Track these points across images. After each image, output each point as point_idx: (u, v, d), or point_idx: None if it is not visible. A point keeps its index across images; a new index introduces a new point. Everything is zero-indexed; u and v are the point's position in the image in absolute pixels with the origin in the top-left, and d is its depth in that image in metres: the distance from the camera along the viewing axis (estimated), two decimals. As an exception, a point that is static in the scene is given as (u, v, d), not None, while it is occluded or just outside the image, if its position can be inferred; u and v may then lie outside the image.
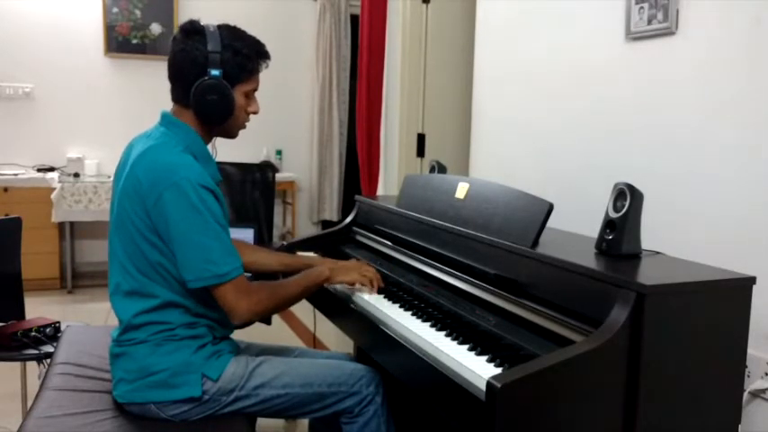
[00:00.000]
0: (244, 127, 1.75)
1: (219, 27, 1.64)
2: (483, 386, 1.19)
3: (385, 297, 1.82)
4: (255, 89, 1.71)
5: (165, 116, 1.68)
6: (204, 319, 1.64)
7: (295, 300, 1.75)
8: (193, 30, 1.63)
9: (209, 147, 1.73)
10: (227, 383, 1.61)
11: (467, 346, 1.44)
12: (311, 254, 2.31)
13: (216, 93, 1.61)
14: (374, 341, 1.73)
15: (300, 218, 5.86)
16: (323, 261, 2.01)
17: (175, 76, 1.65)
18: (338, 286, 1.90)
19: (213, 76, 1.60)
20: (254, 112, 1.73)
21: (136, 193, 1.55)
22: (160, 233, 1.54)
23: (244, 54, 1.64)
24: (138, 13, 5.14)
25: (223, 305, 1.56)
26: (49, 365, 1.90)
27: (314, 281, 1.78)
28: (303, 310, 2.04)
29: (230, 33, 1.65)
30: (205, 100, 1.60)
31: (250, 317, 1.59)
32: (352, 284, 1.85)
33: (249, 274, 2.32)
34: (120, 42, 5.13)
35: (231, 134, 1.74)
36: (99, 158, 5.01)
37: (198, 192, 1.52)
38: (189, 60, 1.61)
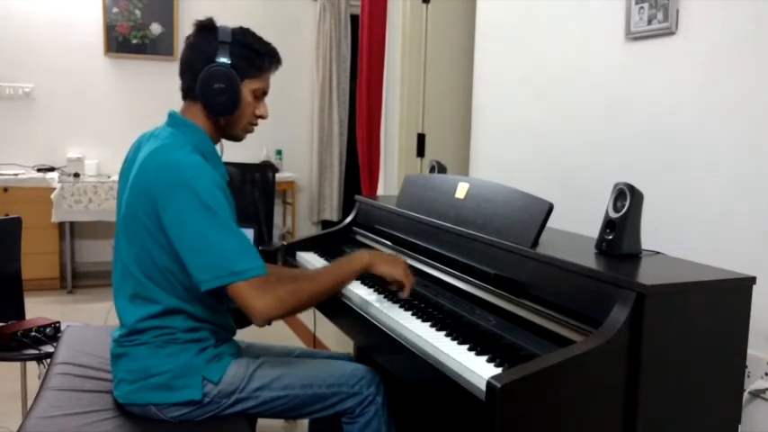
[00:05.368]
0: (251, 130, 1.74)
1: (234, 27, 1.65)
2: (483, 386, 1.19)
3: (385, 297, 1.82)
4: (265, 91, 1.70)
5: (172, 116, 1.67)
6: (207, 323, 1.63)
7: (326, 293, 1.64)
8: (207, 26, 1.64)
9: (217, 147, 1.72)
10: (227, 386, 1.61)
11: (467, 346, 1.44)
12: (314, 256, 2.32)
13: (223, 80, 1.59)
14: (374, 341, 1.73)
15: (300, 218, 5.87)
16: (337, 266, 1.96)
17: (185, 68, 1.65)
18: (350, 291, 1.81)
19: (221, 63, 1.60)
20: (262, 116, 1.72)
21: (145, 193, 1.53)
22: (169, 234, 1.51)
23: (254, 49, 1.64)
24: (138, 13, 5.14)
25: (239, 305, 1.50)
26: (49, 365, 1.89)
27: (351, 269, 1.66)
28: (303, 310, 2.03)
29: (243, 32, 1.66)
30: (212, 88, 1.59)
31: (270, 315, 1.50)
32: (390, 281, 1.72)
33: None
34: (120, 42, 5.13)
35: (237, 135, 1.72)
36: (99, 158, 5.01)
37: (209, 190, 1.49)
38: (198, 52, 1.62)
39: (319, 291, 1.61)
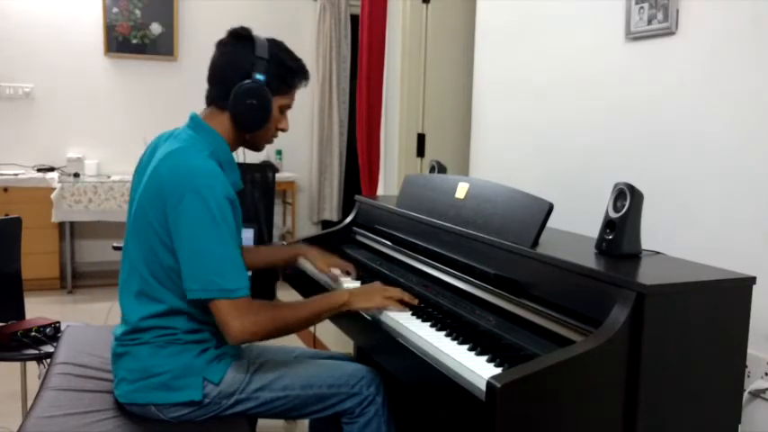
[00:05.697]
0: (271, 141, 1.74)
1: (268, 40, 1.65)
2: (483, 386, 1.19)
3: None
4: (290, 106, 1.71)
5: (193, 118, 1.66)
6: (208, 325, 1.62)
7: (305, 324, 1.66)
8: (243, 35, 1.64)
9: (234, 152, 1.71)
10: (227, 387, 1.61)
11: (467, 346, 1.44)
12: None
13: (257, 97, 1.60)
14: (374, 341, 1.73)
15: (300, 218, 5.86)
16: (305, 249, 2.08)
17: (217, 76, 1.65)
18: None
19: (257, 80, 1.60)
20: (283, 130, 1.73)
21: (157, 194, 1.53)
22: (172, 237, 1.51)
23: (288, 66, 1.65)
24: (138, 13, 5.14)
25: (217, 320, 1.52)
26: (49, 365, 1.89)
27: (330, 306, 1.66)
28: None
29: (278, 46, 1.66)
30: (245, 103, 1.59)
31: (245, 337, 1.52)
32: (377, 309, 1.70)
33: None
34: (120, 42, 5.13)
35: (258, 146, 1.72)
36: (99, 158, 5.01)
37: (219, 202, 1.49)
38: (234, 63, 1.61)
39: (297, 322, 1.62)
